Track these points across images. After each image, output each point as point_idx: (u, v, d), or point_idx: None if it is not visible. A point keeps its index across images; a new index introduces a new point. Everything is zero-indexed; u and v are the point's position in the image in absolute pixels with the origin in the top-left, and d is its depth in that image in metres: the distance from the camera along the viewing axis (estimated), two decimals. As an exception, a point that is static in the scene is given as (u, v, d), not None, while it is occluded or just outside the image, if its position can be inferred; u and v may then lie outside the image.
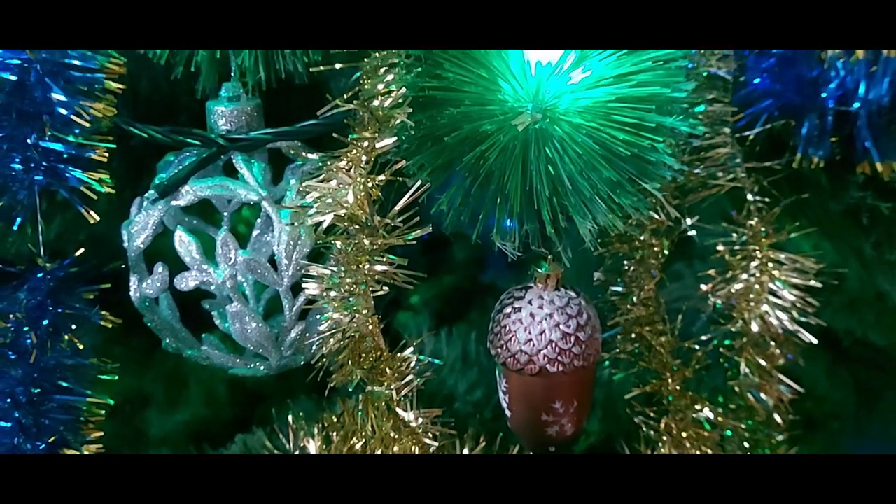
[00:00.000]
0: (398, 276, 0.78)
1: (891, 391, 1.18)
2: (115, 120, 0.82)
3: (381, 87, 0.78)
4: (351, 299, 0.78)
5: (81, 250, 0.84)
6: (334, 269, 0.78)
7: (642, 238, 0.92)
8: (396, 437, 0.79)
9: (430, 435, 0.79)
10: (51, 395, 0.80)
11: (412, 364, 0.79)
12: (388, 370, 0.79)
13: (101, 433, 0.82)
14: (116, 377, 0.84)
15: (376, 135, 0.78)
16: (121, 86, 0.80)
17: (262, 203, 0.83)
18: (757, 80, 0.93)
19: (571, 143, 0.76)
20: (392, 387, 0.79)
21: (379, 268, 0.78)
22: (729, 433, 0.97)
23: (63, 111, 0.78)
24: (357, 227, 0.77)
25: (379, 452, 0.79)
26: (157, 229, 0.84)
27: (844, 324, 1.11)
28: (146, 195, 0.85)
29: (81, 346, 0.82)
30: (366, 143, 0.78)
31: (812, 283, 0.93)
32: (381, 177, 0.78)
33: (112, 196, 0.83)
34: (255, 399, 1.26)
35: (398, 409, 0.78)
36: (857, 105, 0.91)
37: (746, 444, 0.98)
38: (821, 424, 1.18)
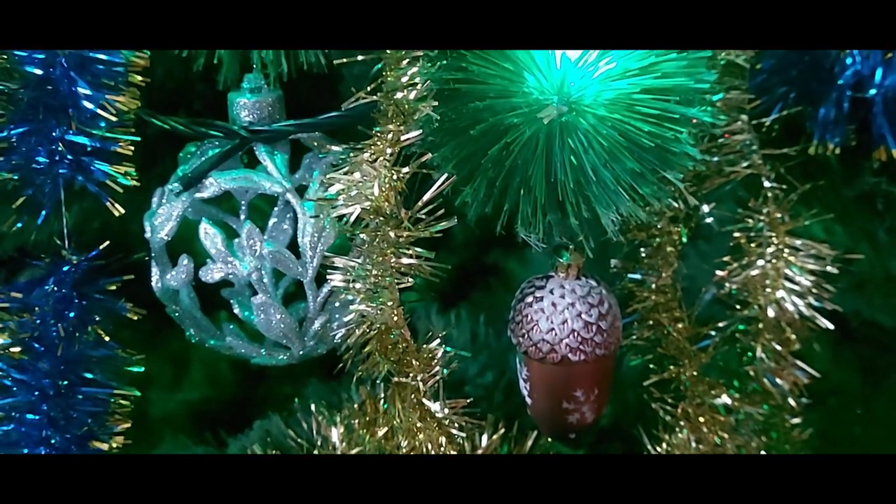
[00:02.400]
0: (424, 268, 0.79)
1: None
2: (137, 111, 0.82)
3: (405, 79, 0.78)
4: (377, 291, 0.78)
5: (107, 243, 0.84)
6: (359, 261, 0.79)
7: (660, 225, 0.93)
8: (422, 426, 0.79)
9: (455, 425, 0.80)
10: (78, 387, 0.80)
11: (438, 355, 0.79)
12: (414, 361, 0.79)
13: (128, 424, 0.82)
14: (142, 368, 0.84)
15: (401, 127, 0.78)
16: (144, 79, 0.80)
17: (287, 195, 0.83)
18: (773, 67, 0.94)
19: (596, 135, 0.76)
20: (419, 378, 0.79)
21: (405, 260, 0.78)
22: (742, 416, 0.98)
23: (88, 105, 0.78)
24: (382, 219, 0.78)
25: (404, 443, 0.79)
26: (180, 221, 0.84)
27: (853, 305, 1.12)
28: (170, 187, 0.85)
29: (107, 339, 0.82)
30: (390, 136, 0.78)
31: (828, 268, 0.93)
32: (406, 169, 0.78)
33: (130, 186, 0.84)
34: (258, 379, 1.27)
35: (425, 400, 0.79)
36: (872, 91, 0.92)
37: (760, 428, 0.99)
38: (826, 404, 1.19)
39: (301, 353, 0.87)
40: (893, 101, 0.91)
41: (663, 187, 0.80)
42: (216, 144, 0.85)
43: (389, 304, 0.79)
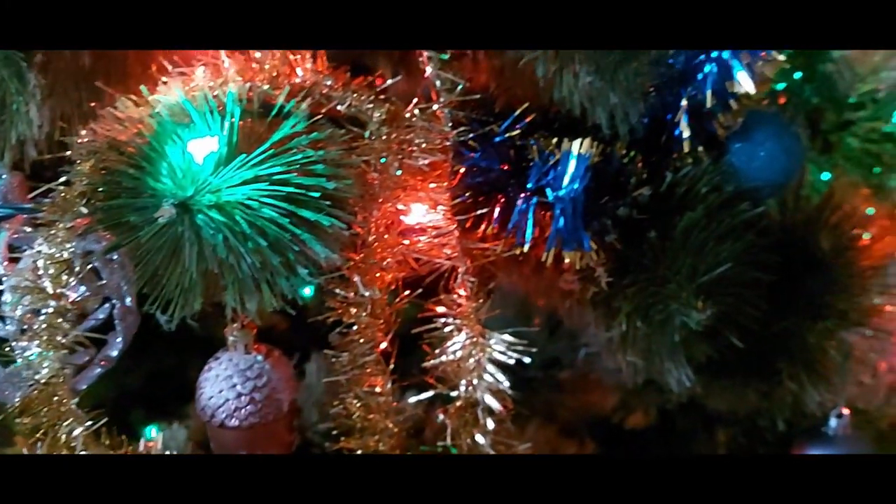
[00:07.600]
0: (83, 340, 0.93)
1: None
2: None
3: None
4: (41, 354, 0.93)
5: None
6: (37, 327, 0.93)
7: (369, 307, 1.01)
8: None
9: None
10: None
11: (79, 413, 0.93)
12: (68, 417, 0.93)
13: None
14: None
15: (64, 216, 0.92)
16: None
17: (-6, 265, 0.98)
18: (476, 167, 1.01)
19: (211, 235, 0.86)
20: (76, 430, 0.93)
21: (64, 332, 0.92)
22: None
23: None
24: (47, 295, 0.92)
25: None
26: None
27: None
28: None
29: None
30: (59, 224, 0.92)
31: (512, 360, 1.00)
32: (66, 254, 0.92)
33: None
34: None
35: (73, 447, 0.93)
36: (555, 195, 0.97)
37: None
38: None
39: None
40: (570, 206, 0.97)
41: (303, 280, 0.90)
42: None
43: (55, 365, 0.93)
